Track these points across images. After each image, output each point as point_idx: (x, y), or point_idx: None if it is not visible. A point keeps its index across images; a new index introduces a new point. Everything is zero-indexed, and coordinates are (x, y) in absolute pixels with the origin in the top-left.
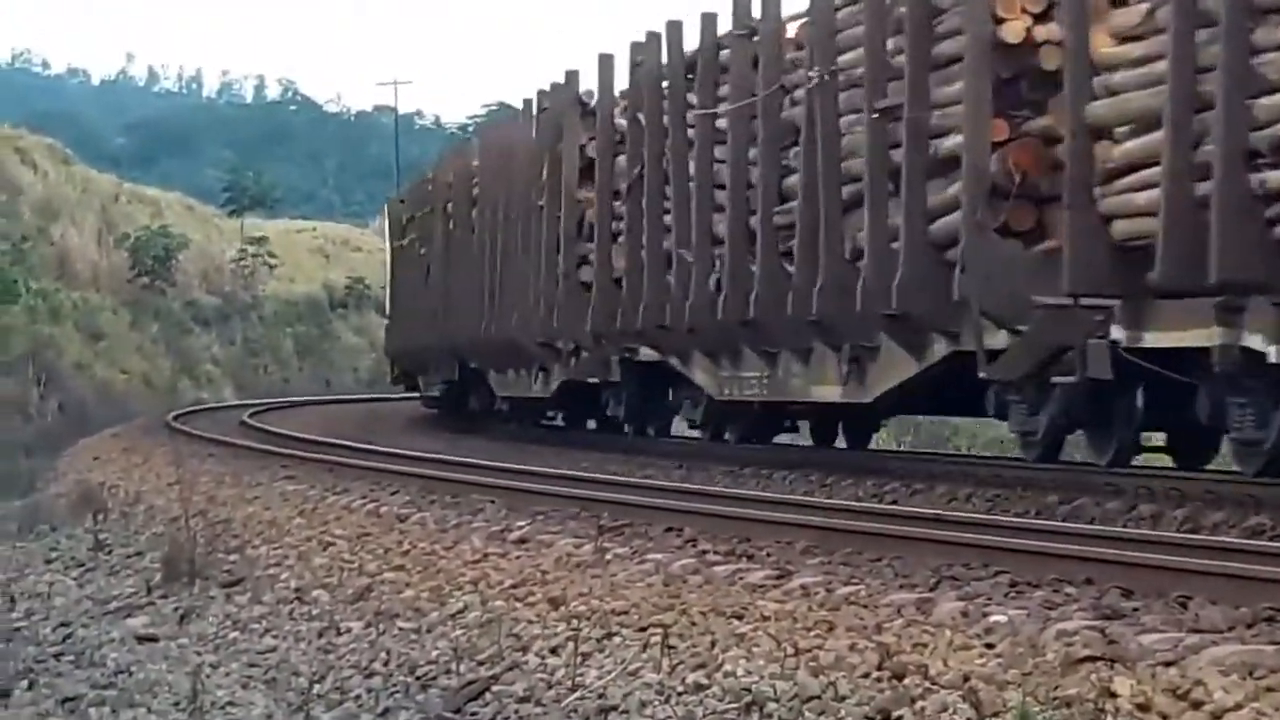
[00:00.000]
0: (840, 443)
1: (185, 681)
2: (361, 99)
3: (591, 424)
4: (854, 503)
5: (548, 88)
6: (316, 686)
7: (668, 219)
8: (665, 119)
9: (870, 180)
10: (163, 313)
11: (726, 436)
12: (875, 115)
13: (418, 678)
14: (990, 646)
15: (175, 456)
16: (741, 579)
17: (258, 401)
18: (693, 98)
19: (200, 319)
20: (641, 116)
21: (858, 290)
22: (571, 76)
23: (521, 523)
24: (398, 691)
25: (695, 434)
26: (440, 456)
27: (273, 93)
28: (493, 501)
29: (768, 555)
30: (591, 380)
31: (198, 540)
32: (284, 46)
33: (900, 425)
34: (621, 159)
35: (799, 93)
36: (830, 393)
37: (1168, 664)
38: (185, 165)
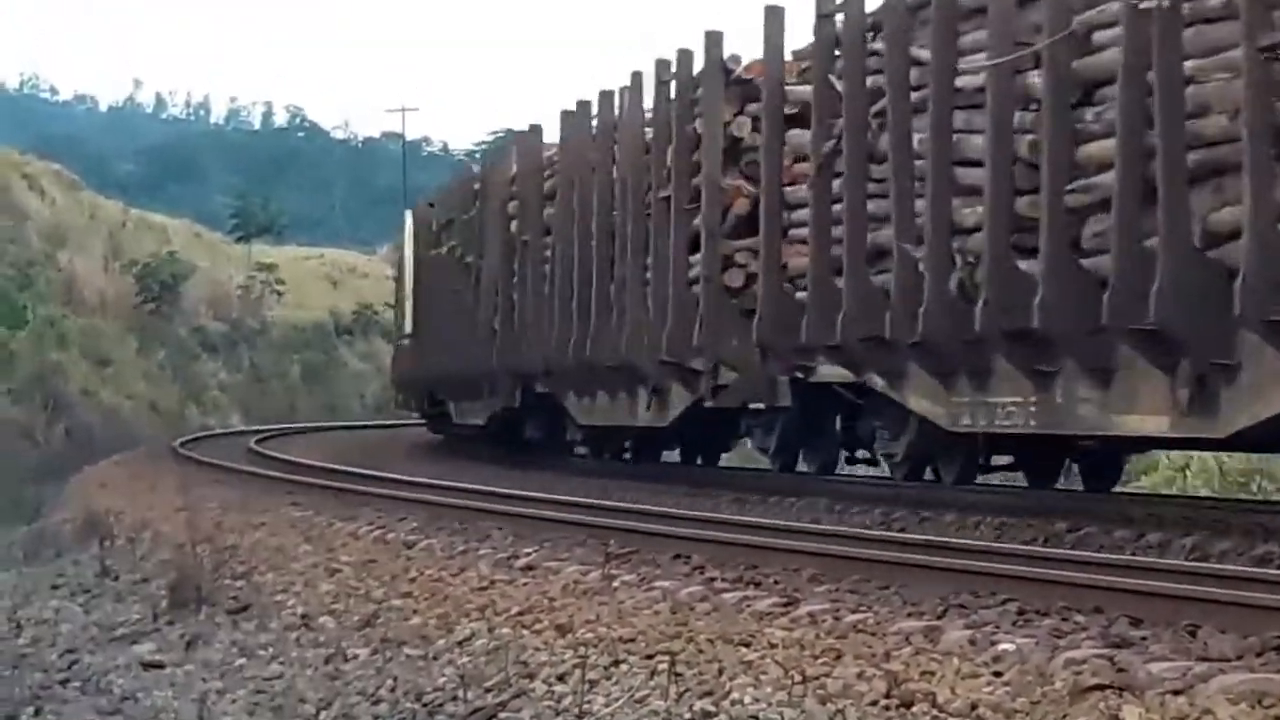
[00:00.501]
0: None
1: (191, 708)
2: (369, 126)
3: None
4: (862, 530)
5: (652, 65)
6: (323, 714)
7: (873, 206)
8: (871, 79)
9: (1250, 139)
10: (170, 339)
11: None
12: (1262, 54)
13: (424, 705)
14: (998, 675)
15: (182, 483)
16: (749, 606)
17: (264, 428)
18: (920, 51)
19: (207, 345)
20: (835, 79)
21: (1214, 289)
22: (714, 39)
23: (529, 549)
24: (404, 719)
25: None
26: (448, 483)
27: (280, 119)
28: (500, 528)
29: (775, 583)
30: (746, 404)
31: (204, 567)
32: (291, 73)
33: None
34: (795, 134)
35: (1105, 33)
36: (1152, 424)
37: (1176, 693)
38: (193, 192)
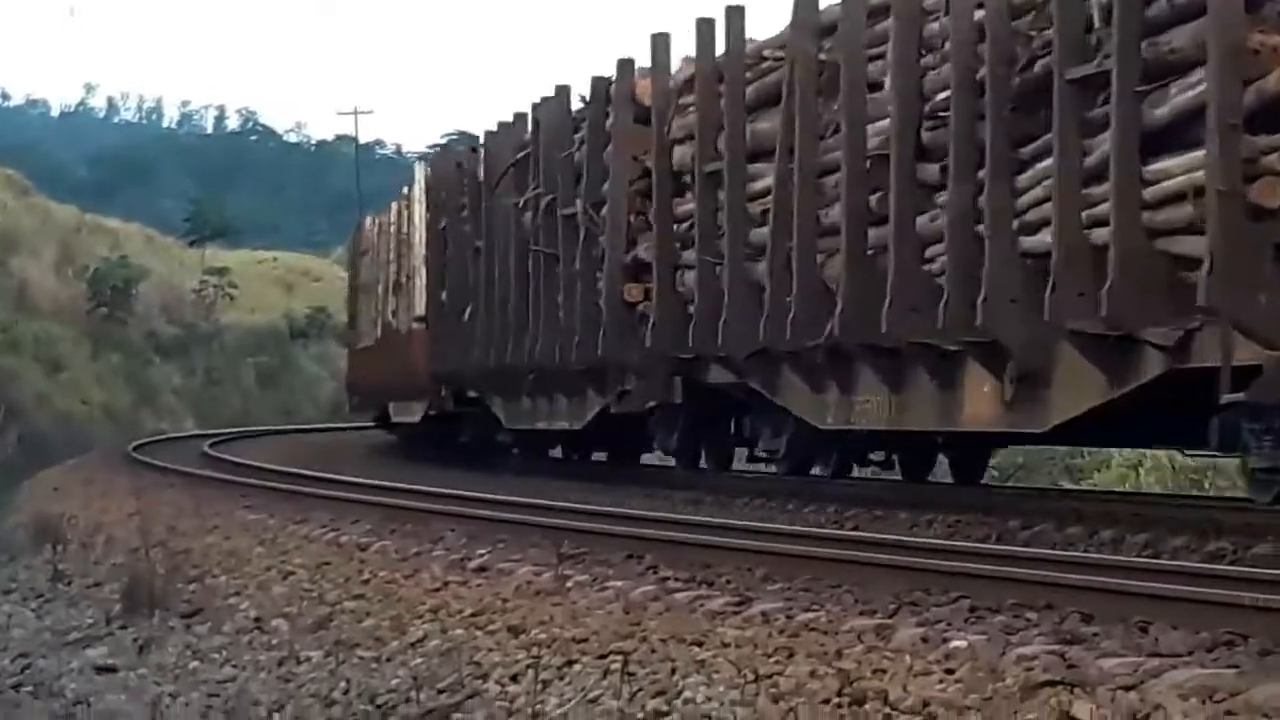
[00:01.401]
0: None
1: (144, 712)
2: (322, 129)
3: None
4: (814, 529)
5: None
6: (276, 716)
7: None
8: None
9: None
10: (123, 344)
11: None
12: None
13: (378, 706)
14: (950, 672)
15: (135, 487)
16: (702, 606)
17: (218, 431)
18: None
19: (161, 349)
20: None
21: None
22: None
23: (482, 550)
24: None
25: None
26: (401, 485)
27: (233, 123)
28: (453, 530)
29: (728, 582)
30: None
31: (157, 571)
32: (244, 76)
33: None
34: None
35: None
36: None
37: (1127, 688)
38: (146, 196)
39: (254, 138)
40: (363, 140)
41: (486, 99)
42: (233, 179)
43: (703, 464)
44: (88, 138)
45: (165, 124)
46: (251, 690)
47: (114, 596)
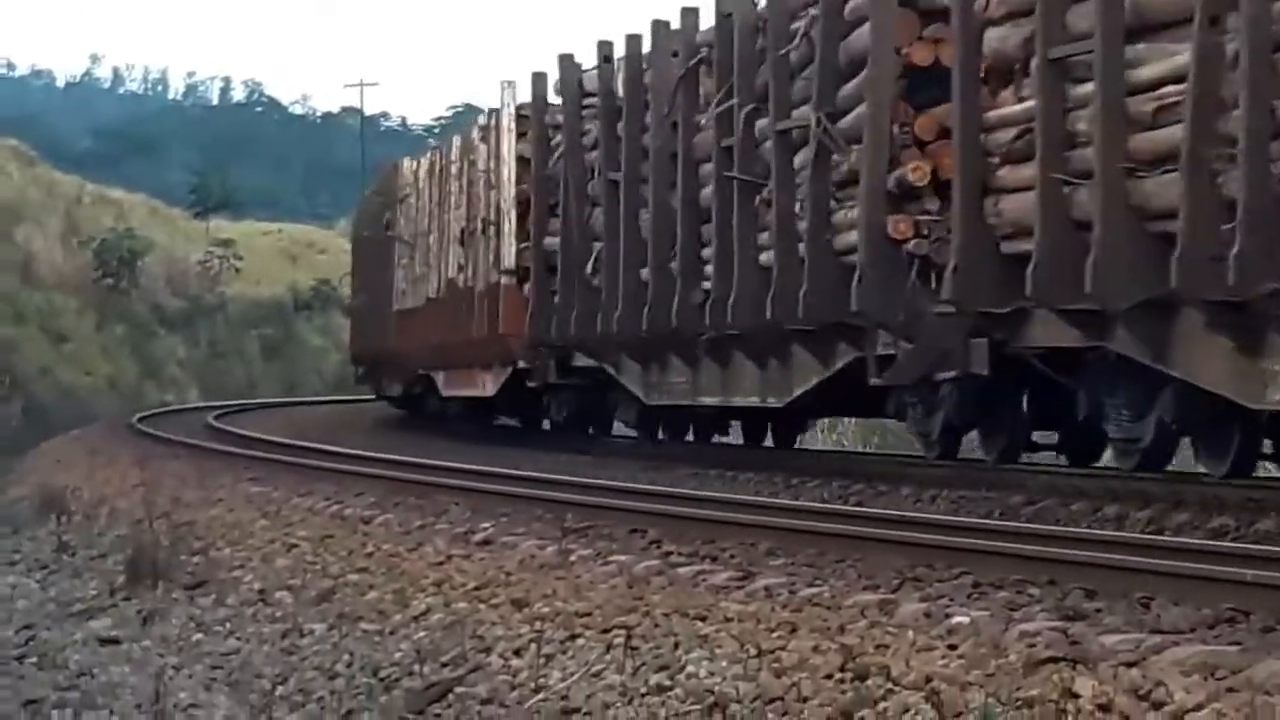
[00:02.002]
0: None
1: (148, 684)
2: (328, 101)
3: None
4: (818, 504)
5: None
6: (279, 689)
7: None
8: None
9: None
10: (128, 315)
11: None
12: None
13: (381, 680)
14: (953, 648)
15: (139, 459)
16: (705, 580)
17: (223, 404)
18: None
19: (165, 321)
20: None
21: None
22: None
23: (486, 524)
24: (361, 693)
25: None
26: (405, 459)
27: (238, 94)
28: (457, 503)
29: (731, 557)
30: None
31: (161, 543)
32: (249, 48)
33: (869, 426)
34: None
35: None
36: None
37: (1130, 664)
38: (151, 167)
39: (259, 109)
40: (368, 112)
41: (493, 71)
42: (238, 151)
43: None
44: (93, 109)
45: (170, 95)
46: (255, 662)
47: (118, 568)
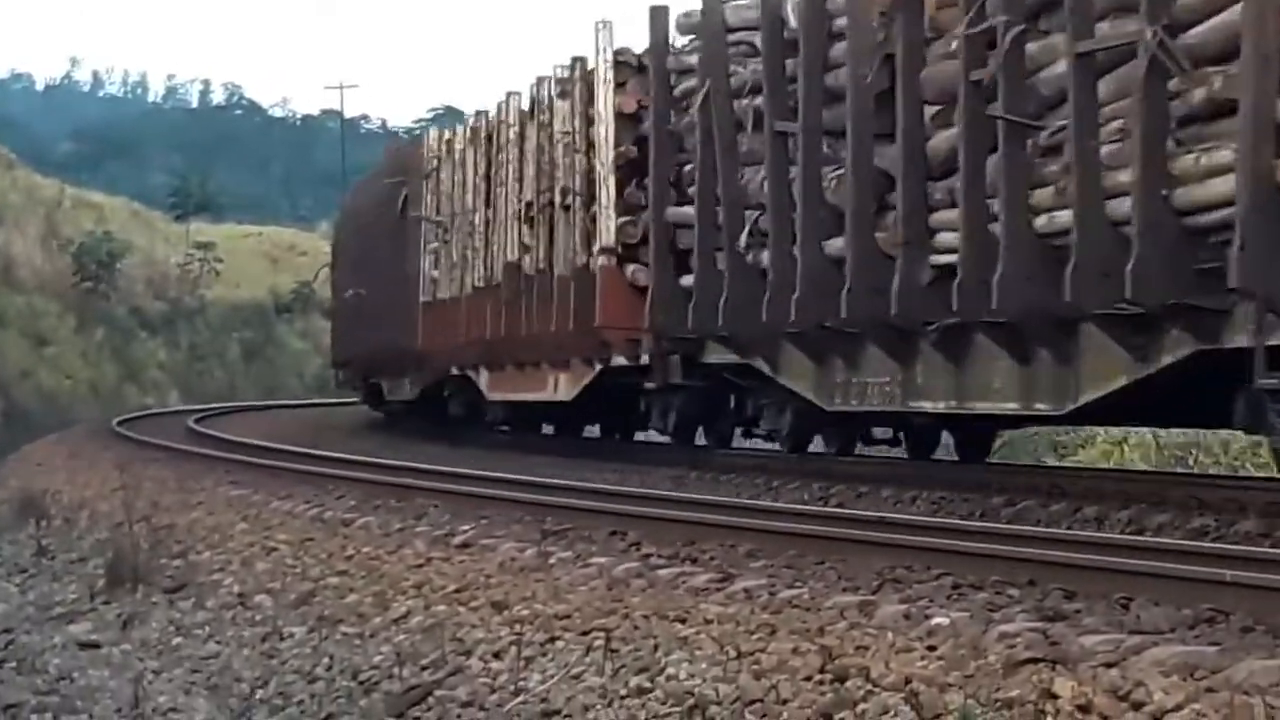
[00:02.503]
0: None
1: (127, 688)
2: (308, 103)
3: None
4: (798, 505)
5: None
6: (259, 692)
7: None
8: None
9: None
10: (108, 318)
11: None
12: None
13: (360, 683)
14: (932, 649)
15: (119, 462)
16: (685, 582)
17: (204, 407)
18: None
19: (146, 324)
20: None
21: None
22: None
23: (465, 527)
24: (340, 696)
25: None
26: (385, 461)
27: (218, 97)
28: (437, 506)
29: (711, 559)
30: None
31: (141, 546)
32: (230, 51)
33: None
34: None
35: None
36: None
37: (1109, 665)
38: (132, 170)
39: (239, 112)
40: (348, 115)
41: (472, 75)
42: (218, 153)
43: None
44: (72, 111)
45: (150, 98)
46: (235, 666)
47: (97, 572)
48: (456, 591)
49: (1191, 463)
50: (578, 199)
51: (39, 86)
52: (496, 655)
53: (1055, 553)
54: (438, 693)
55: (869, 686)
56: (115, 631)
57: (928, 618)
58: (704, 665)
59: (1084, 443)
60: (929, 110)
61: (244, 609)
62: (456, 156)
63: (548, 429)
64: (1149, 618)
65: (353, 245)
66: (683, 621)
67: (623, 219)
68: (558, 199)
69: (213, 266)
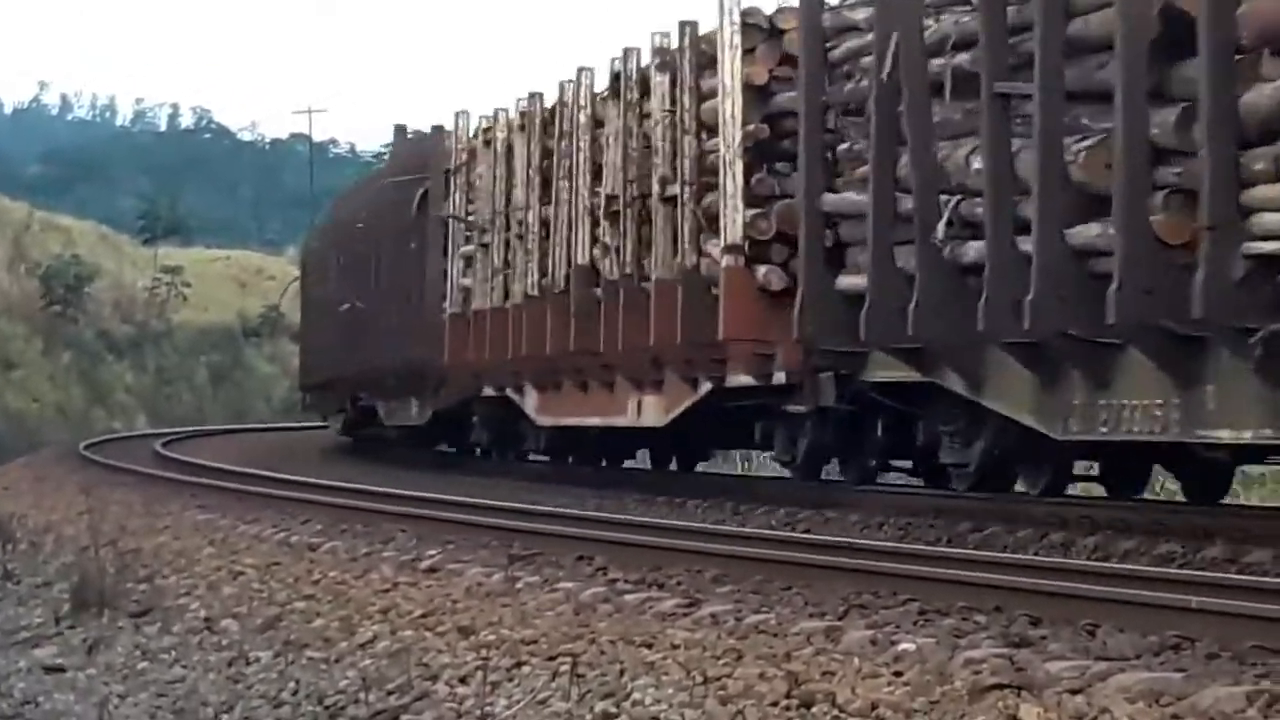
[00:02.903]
0: None
1: (93, 712)
2: (276, 127)
3: None
4: (765, 530)
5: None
6: (224, 717)
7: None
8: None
9: None
10: (75, 342)
11: None
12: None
13: (326, 707)
14: (898, 674)
15: (86, 486)
16: (651, 607)
17: (171, 430)
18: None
19: (113, 348)
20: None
21: None
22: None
23: (432, 551)
24: None
25: None
26: (352, 485)
27: (187, 121)
28: (403, 530)
29: (678, 584)
30: None
31: (107, 570)
32: (198, 74)
33: None
34: None
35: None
36: None
37: (1074, 691)
38: (99, 193)
39: (208, 136)
40: (317, 139)
41: (439, 101)
42: (186, 177)
43: None
44: (41, 135)
45: (119, 121)
46: (200, 691)
47: (63, 596)
48: (423, 616)
49: (1158, 489)
50: (687, 189)
51: (7, 110)
52: (463, 680)
53: (1021, 579)
54: (404, 718)
55: (835, 712)
56: (81, 656)
57: (894, 643)
58: (670, 691)
59: None
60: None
61: (210, 633)
62: (498, 147)
63: (616, 458)
64: (1115, 644)
65: (342, 255)
66: (649, 647)
67: (752, 211)
68: (656, 190)
69: (180, 290)
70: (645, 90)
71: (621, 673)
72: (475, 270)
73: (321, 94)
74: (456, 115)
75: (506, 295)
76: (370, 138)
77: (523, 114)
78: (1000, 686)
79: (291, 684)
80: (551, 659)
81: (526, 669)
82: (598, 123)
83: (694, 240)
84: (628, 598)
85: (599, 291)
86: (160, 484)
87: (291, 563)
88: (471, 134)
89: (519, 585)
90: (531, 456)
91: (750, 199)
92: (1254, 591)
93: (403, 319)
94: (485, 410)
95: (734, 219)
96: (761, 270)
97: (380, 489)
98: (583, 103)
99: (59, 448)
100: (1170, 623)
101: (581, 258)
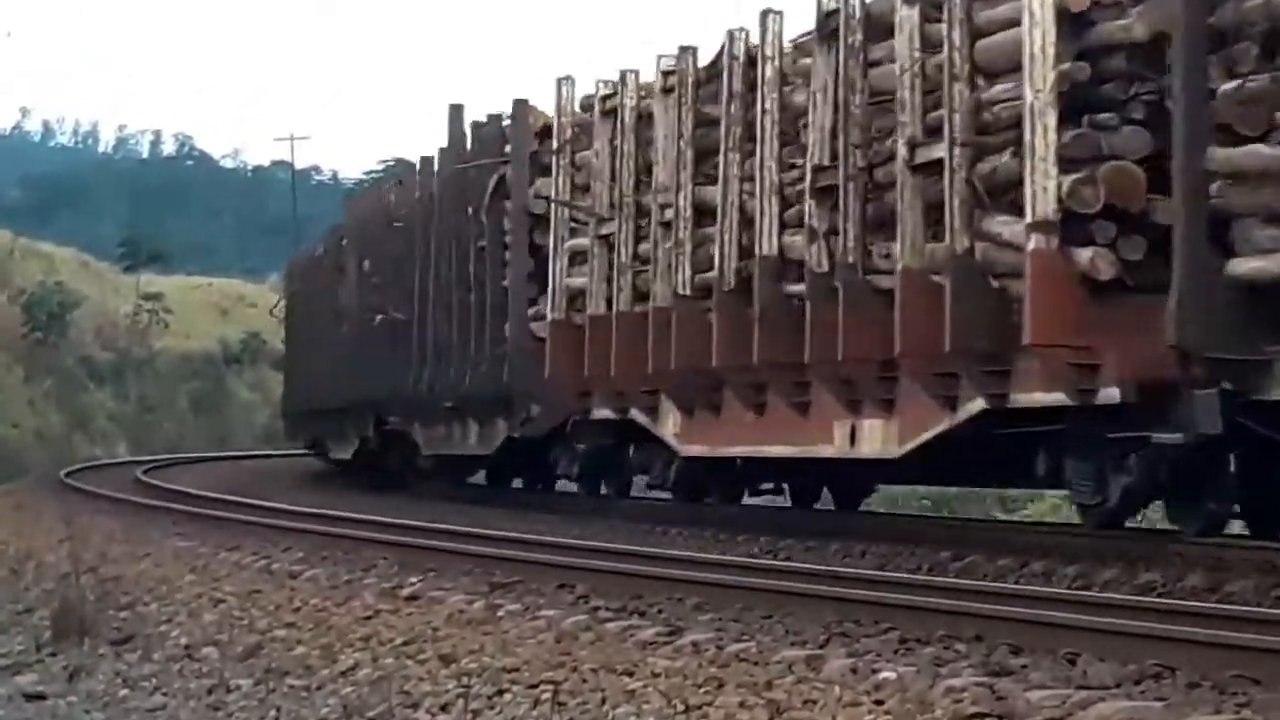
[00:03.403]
0: None
1: None
2: (258, 154)
3: None
4: (747, 559)
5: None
6: None
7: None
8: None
9: None
10: (56, 369)
11: None
12: None
13: None
14: (879, 703)
15: (66, 513)
16: (633, 636)
17: (152, 458)
18: None
19: (95, 375)
20: None
21: None
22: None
23: (414, 579)
24: None
25: None
26: (333, 512)
27: (169, 148)
28: (385, 558)
29: (659, 612)
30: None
31: (88, 597)
32: (180, 101)
33: None
34: None
35: None
36: None
37: None
38: (81, 220)
39: (190, 163)
40: (299, 166)
41: (421, 128)
42: (168, 204)
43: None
44: (22, 161)
45: (101, 148)
46: (181, 718)
47: (44, 623)
48: (404, 644)
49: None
50: (957, 151)
51: None
52: (444, 708)
53: (1002, 607)
54: None
55: None
56: (62, 683)
57: (875, 672)
58: (651, 719)
59: (1032, 498)
60: None
61: (191, 661)
62: (625, 118)
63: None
64: (1095, 673)
65: (368, 259)
66: (630, 674)
67: (1071, 177)
68: (903, 154)
69: (162, 317)
70: (871, 32)
71: (603, 701)
72: (591, 268)
73: (304, 121)
74: (559, 82)
75: (642, 296)
76: (353, 165)
77: (666, 74)
78: (981, 715)
79: (272, 712)
80: (533, 687)
81: (508, 697)
82: (784, 81)
83: (967, 218)
84: (609, 626)
85: (800, 288)
86: (141, 511)
87: (273, 590)
88: (579, 106)
89: (500, 613)
90: (643, 491)
91: (1066, 161)
92: (1234, 620)
93: (465, 328)
94: (591, 436)
95: (1044, 187)
96: (1084, 255)
97: (361, 516)
98: (769, 53)
99: (39, 474)
100: (1151, 652)
101: (767, 247)
